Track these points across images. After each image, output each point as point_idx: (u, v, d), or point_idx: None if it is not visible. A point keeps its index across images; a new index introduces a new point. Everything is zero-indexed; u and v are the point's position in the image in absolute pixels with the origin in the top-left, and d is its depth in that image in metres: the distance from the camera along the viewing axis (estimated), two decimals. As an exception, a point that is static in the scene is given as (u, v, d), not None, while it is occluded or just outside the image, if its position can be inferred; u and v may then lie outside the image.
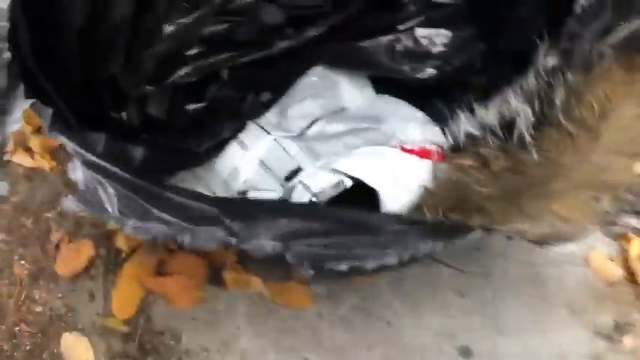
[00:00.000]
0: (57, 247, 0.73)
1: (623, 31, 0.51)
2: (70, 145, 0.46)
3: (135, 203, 0.48)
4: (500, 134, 0.54)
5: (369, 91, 0.78)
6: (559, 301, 0.77)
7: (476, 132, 0.56)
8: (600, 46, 0.51)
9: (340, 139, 0.73)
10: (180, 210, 0.48)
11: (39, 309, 0.69)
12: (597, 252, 0.79)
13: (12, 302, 0.69)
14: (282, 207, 0.60)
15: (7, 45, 0.47)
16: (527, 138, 0.51)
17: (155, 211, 0.48)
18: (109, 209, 0.48)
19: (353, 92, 0.78)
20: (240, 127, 0.72)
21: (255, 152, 0.73)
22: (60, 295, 0.70)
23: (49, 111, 0.48)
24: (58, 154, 0.80)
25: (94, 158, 0.47)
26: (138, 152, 0.61)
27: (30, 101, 0.48)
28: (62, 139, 0.46)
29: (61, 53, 0.55)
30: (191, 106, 0.71)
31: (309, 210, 0.59)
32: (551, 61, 0.53)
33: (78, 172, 0.47)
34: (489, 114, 0.56)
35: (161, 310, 0.70)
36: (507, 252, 0.79)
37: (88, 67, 0.58)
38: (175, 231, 0.45)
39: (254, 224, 0.48)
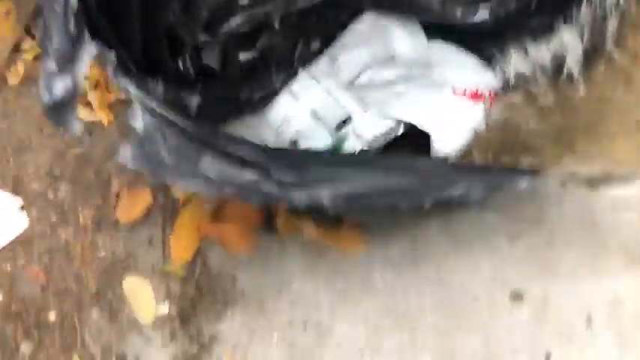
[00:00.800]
0: (117, 196, 0.76)
1: None
2: (132, 90, 0.47)
3: (188, 151, 0.49)
4: (550, 71, 0.53)
5: (420, 38, 0.77)
6: (615, 248, 0.76)
7: (526, 71, 0.55)
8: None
9: (391, 87, 0.73)
10: (230, 157, 0.49)
11: (102, 254, 0.73)
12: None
13: (77, 248, 0.73)
14: (331, 157, 0.61)
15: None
16: (576, 73, 0.50)
17: (208, 159, 0.49)
18: (166, 157, 0.49)
19: (404, 39, 0.77)
20: (292, 77, 0.73)
21: (306, 102, 0.73)
22: (121, 242, 0.74)
23: (113, 58, 0.49)
24: (115, 109, 0.82)
25: (153, 104, 0.49)
26: (193, 101, 0.62)
27: (95, 51, 0.49)
28: (125, 84, 0.47)
29: (123, 2, 0.56)
30: (243, 56, 0.72)
31: (359, 160, 0.60)
32: None
33: (137, 119, 0.49)
34: (540, 52, 0.55)
35: (217, 255, 0.73)
36: (562, 198, 0.78)
37: (148, 15, 0.60)
38: (222, 187, 0.47)
39: (303, 174, 0.49)
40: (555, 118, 0.53)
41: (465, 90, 0.65)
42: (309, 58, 0.74)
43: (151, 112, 0.49)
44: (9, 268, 0.72)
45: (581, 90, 0.51)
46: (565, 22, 0.56)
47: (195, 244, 0.73)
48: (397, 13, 0.76)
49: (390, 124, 0.65)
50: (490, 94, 0.66)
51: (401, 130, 0.64)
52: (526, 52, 0.60)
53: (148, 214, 0.75)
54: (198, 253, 0.73)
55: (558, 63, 0.54)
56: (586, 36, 0.53)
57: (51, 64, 0.43)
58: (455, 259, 0.74)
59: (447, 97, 0.64)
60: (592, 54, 0.52)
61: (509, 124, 0.56)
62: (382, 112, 0.66)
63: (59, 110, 0.44)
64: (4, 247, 0.72)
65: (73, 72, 0.44)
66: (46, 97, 0.43)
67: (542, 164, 0.53)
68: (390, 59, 0.75)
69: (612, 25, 0.51)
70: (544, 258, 0.75)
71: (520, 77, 0.59)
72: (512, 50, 0.62)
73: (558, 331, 0.70)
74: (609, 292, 0.73)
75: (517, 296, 0.72)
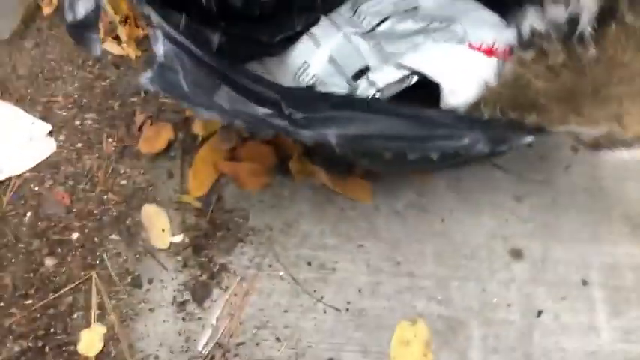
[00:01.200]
0: (140, 128, 0.79)
1: None
2: (154, 18, 0.49)
3: (206, 82, 0.51)
4: (564, 30, 0.53)
5: (443, -10, 0.77)
6: (618, 215, 0.77)
7: (540, 27, 0.56)
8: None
9: (410, 38, 0.73)
10: (245, 91, 0.52)
11: (123, 182, 0.76)
12: (665, 169, 0.78)
13: (101, 174, 0.76)
14: (340, 98, 0.61)
15: None
16: (588, 33, 0.50)
17: (224, 91, 0.51)
18: (184, 85, 0.51)
19: (427, -10, 0.77)
20: (313, 22, 0.73)
21: (326, 48, 0.74)
22: (142, 172, 0.77)
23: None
24: (143, 44, 0.85)
25: (175, 34, 0.51)
26: (214, 38, 0.64)
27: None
28: (148, 11, 0.49)
29: None
30: None
31: (369, 104, 0.61)
32: None
33: (159, 46, 0.51)
34: (556, 9, 0.55)
35: (231, 192, 0.76)
36: (571, 163, 0.79)
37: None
38: (235, 118, 0.49)
39: (312, 112, 0.51)
40: (564, 79, 0.53)
41: (481, 45, 0.66)
42: (332, 3, 0.75)
43: (172, 40, 0.51)
44: (37, 189, 0.76)
45: (592, 51, 0.51)
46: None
47: (211, 179, 0.76)
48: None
49: (404, 72, 0.65)
50: (505, 50, 0.66)
51: (414, 80, 0.64)
52: (543, 9, 0.60)
53: (168, 147, 0.78)
54: (214, 189, 0.76)
55: (573, 22, 0.54)
56: (602, -2, 0.52)
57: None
58: (459, 213, 0.76)
59: (461, 50, 0.65)
60: (606, 15, 0.51)
61: (519, 80, 0.57)
62: (397, 61, 0.67)
63: (81, 30, 0.46)
64: (32, 169, 0.76)
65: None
66: (69, 17, 0.45)
67: (548, 123, 0.54)
68: (413, 10, 0.75)
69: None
70: (547, 219, 0.76)
71: (535, 35, 0.59)
72: (529, 6, 0.62)
73: (553, 290, 0.73)
74: (608, 256, 0.75)
75: (516, 253, 0.74)
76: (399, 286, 0.71)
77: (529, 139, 0.52)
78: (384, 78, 0.65)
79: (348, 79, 0.72)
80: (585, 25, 0.51)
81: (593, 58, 0.51)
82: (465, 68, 0.61)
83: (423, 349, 0.68)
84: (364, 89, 0.67)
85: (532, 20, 0.56)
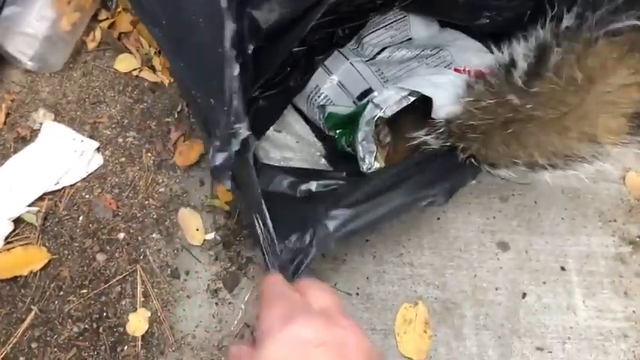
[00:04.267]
0: (175, 144, 0.91)
1: (622, 22, 0.58)
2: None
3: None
4: (503, 73, 0.65)
5: (434, 26, 0.90)
6: (592, 211, 0.88)
7: (493, 64, 0.68)
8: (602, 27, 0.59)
9: (405, 63, 0.86)
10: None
11: (162, 189, 0.88)
12: (634, 172, 0.89)
13: (142, 183, 0.88)
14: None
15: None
16: (520, 82, 0.62)
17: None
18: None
19: (420, 26, 0.90)
20: (328, 56, 0.86)
21: (335, 74, 0.86)
22: (177, 180, 0.89)
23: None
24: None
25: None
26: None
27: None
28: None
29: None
30: (296, 50, 0.83)
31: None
32: (566, 22, 0.61)
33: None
34: (505, 50, 0.68)
35: (254, 197, 0.87)
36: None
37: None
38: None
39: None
40: (502, 112, 0.66)
41: (465, 67, 0.78)
42: (344, 41, 0.87)
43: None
44: (87, 196, 0.88)
45: (519, 98, 0.63)
46: (523, 37, 0.67)
47: (237, 186, 0.88)
48: (418, 12, 0.88)
49: (402, 94, 0.75)
50: (481, 70, 0.78)
51: (411, 100, 0.74)
52: (499, 48, 0.72)
53: (200, 160, 0.90)
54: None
55: (511, 66, 0.66)
56: (535, 55, 0.63)
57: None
58: (452, 213, 0.88)
59: (449, 72, 0.77)
60: (537, 70, 0.63)
61: (473, 107, 0.69)
62: (396, 84, 0.78)
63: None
64: (83, 180, 0.88)
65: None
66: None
67: (490, 153, 0.67)
68: (407, 41, 0.88)
69: (555, 55, 0.61)
70: (530, 216, 0.88)
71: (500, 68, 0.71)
72: (492, 44, 0.75)
73: (535, 276, 0.84)
74: (584, 246, 0.86)
75: (503, 245, 0.86)
76: (402, 274, 0.83)
77: (472, 181, 0.66)
78: (386, 101, 0.75)
79: (354, 99, 0.84)
80: (519, 73, 0.63)
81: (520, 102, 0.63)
82: (450, 87, 0.73)
83: (423, 327, 0.79)
84: (371, 111, 0.76)
85: (498, 57, 0.68)
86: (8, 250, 0.81)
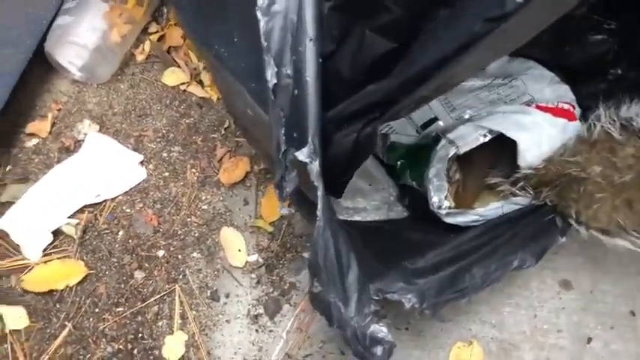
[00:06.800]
0: (220, 161, 0.88)
1: None
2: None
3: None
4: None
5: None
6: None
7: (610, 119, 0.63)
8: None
9: (475, 93, 0.81)
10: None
11: (205, 207, 0.85)
12: None
13: (185, 199, 0.85)
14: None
15: None
16: None
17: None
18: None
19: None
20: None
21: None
22: (221, 198, 0.85)
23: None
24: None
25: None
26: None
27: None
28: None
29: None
30: None
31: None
32: None
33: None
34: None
35: (300, 220, 0.84)
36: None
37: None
38: None
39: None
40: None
41: (548, 104, 0.73)
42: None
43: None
44: (128, 211, 0.85)
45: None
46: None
47: (282, 207, 0.84)
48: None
49: (480, 132, 0.70)
50: (569, 111, 0.73)
51: (488, 137, 0.70)
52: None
53: (244, 178, 0.87)
54: (285, 216, 0.84)
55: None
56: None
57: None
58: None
59: (534, 111, 0.71)
60: None
61: (576, 155, 0.63)
62: (475, 122, 0.73)
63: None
64: (125, 193, 0.86)
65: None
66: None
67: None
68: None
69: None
70: (595, 254, 0.81)
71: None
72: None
73: (602, 320, 0.77)
74: (654, 290, 0.79)
75: (566, 284, 0.79)
76: (456, 310, 0.77)
77: (562, 240, 0.61)
78: (463, 137, 0.71)
79: (417, 128, 0.80)
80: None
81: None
82: (536, 128, 0.67)
83: (479, 369, 0.73)
84: (445, 148, 0.72)
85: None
86: (45, 262, 0.79)
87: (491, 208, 0.70)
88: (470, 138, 0.68)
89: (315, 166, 0.51)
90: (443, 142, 0.70)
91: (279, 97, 0.53)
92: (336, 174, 0.61)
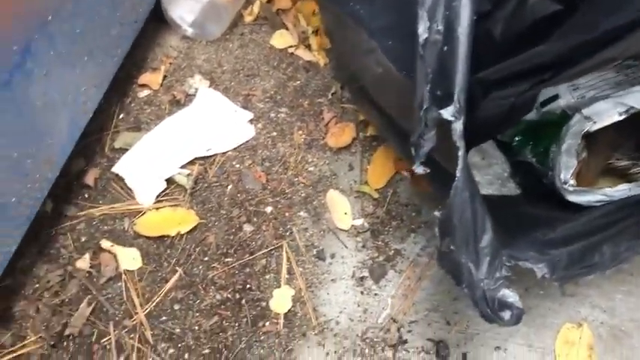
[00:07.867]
0: (327, 125, 0.89)
1: None
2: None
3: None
4: None
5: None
6: None
7: None
8: None
9: (601, 73, 0.77)
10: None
11: (311, 168, 0.85)
12: None
13: (292, 160, 0.86)
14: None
15: None
16: None
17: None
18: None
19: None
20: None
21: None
22: (327, 162, 0.86)
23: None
24: (330, 53, 0.95)
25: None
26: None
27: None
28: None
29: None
30: None
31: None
32: None
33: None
34: None
35: (406, 188, 0.83)
36: None
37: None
38: None
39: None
40: None
41: None
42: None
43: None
44: (237, 166, 0.86)
45: None
46: None
47: (388, 174, 0.84)
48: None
49: (620, 109, 0.67)
50: None
51: (623, 116, 0.67)
52: None
53: (350, 143, 0.87)
54: (390, 183, 0.84)
55: None
56: None
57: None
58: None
59: None
60: None
61: None
62: (616, 99, 0.69)
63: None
64: (234, 149, 0.87)
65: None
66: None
67: None
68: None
69: None
70: None
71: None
72: None
73: None
74: None
75: None
76: (565, 291, 0.75)
77: None
78: (600, 113, 0.68)
79: (537, 105, 0.78)
80: None
81: None
82: None
83: (588, 352, 0.71)
84: (580, 123, 0.69)
85: None
86: (157, 209, 0.81)
87: (619, 189, 0.68)
88: (606, 114, 0.66)
89: (458, 125, 0.50)
90: (577, 117, 0.68)
91: (427, 53, 0.52)
92: (480, 136, 0.60)
